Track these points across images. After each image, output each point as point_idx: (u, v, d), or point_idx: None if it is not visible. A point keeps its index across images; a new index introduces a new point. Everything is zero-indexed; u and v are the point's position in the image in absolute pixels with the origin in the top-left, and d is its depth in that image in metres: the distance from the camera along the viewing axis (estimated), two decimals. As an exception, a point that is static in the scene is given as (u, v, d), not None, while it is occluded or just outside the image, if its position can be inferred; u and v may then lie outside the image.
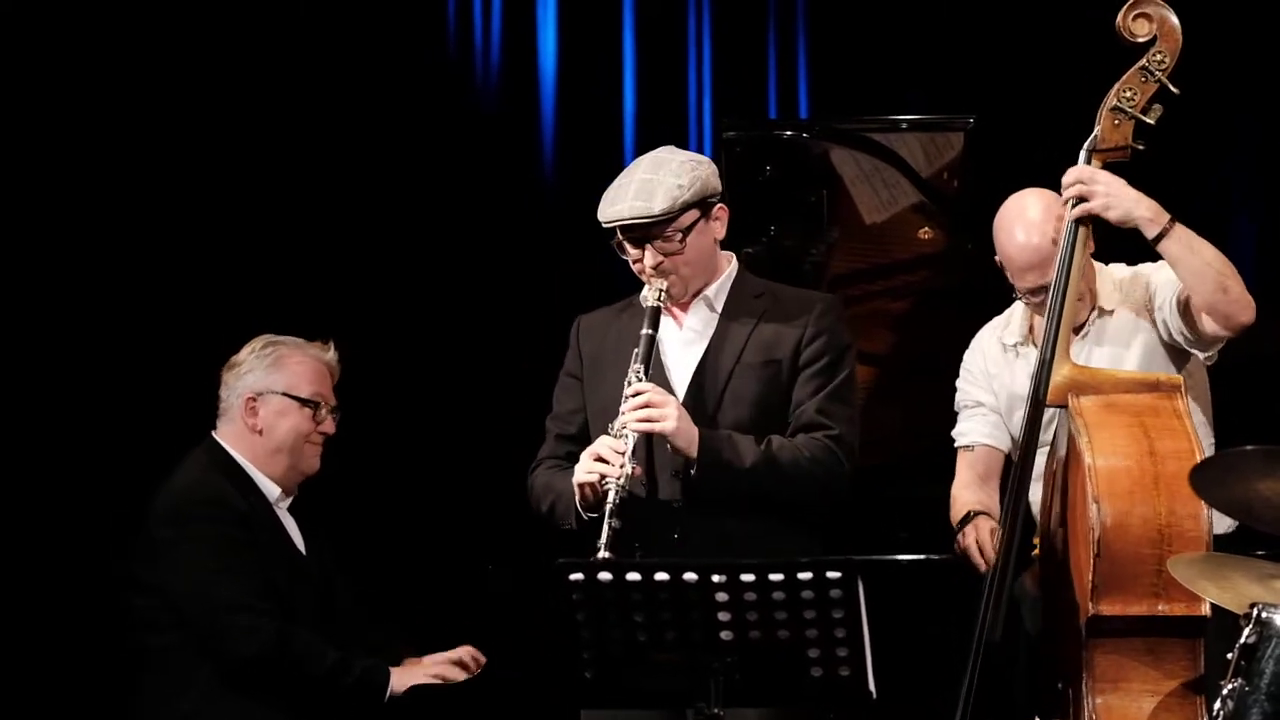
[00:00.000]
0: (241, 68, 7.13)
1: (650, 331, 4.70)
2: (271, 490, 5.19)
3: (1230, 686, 4.13)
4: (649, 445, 4.72)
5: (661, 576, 3.98)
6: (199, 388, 5.51)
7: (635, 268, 4.78)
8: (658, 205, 4.68)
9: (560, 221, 7.45)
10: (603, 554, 4.51)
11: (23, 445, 6.77)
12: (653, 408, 4.63)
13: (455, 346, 7.25)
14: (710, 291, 4.84)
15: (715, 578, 3.96)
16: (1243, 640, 4.13)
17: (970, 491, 5.09)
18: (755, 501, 4.68)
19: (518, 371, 6.87)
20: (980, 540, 4.91)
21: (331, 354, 5.30)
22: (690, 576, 3.97)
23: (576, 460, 4.80)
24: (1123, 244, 4.92)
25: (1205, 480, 4.37)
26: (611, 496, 4.57)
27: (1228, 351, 4.95)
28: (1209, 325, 4.78)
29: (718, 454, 4.66)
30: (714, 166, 4.80)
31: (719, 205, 4.79)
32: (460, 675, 5.23)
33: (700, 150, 7.44)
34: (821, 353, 4.78)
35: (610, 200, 4.74)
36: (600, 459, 4.63)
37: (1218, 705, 4.14)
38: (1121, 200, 4.73)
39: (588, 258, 7.21)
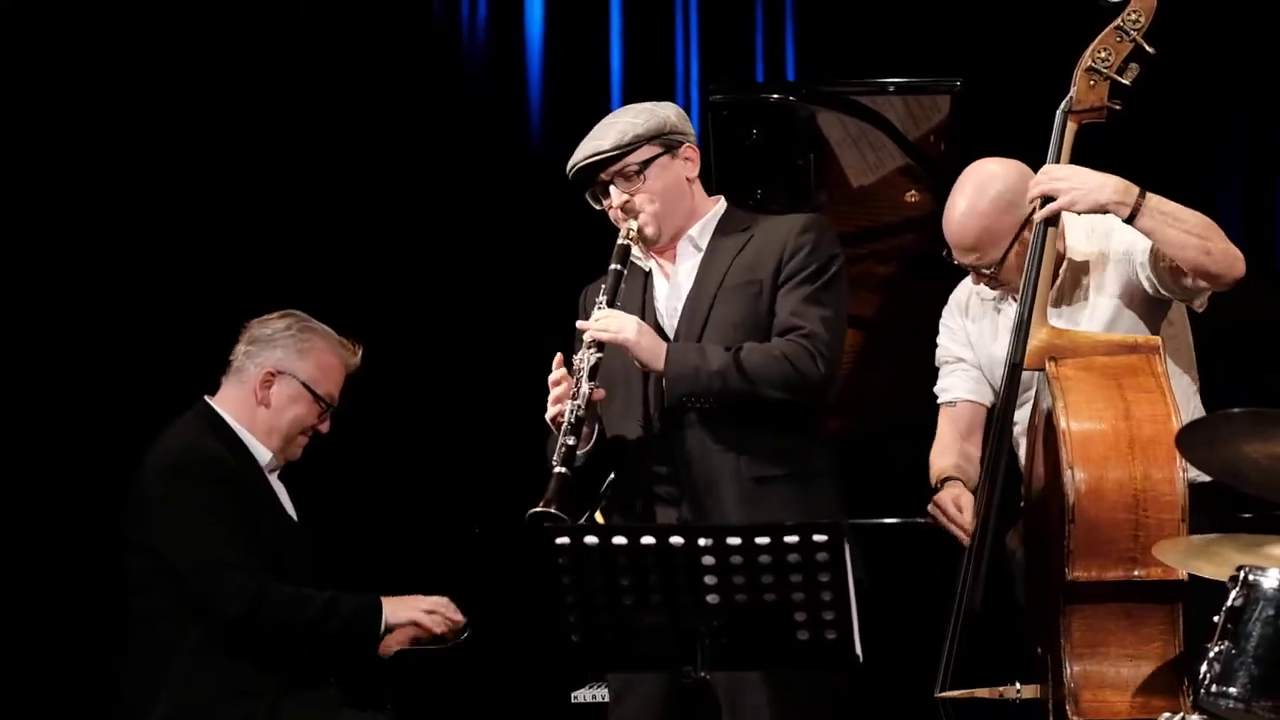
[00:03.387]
0: (224, 40, 7.11)
1: (618, 267, 4.73)
2: (263, 455, 5.18)
3: (1217, 649, 4.13)
4: (645, 388, 4.74)
5: (648, 540, 3.98)
6: (187, 358, 5.52)
7: (611, 215, 4.82)
8: (608, 141, 4.75)
9: (547, 188, 7.43)
10: (559, 469, 4.53)
11: (13, 419, 6.79)
12: (610, 320, 4.65)
13: (440, 315, 7.24)
14: (694, 231, 4.86)
15: (701, 541, 3.96)
16: (1229, 603, 4.13)
17: (948, 455, 5.05)
18: (729, 405, 4.67)
19: (505, 342, 6.89)
20: (944, 506, 4.89)
21: (357, 359, 5.30)
22: (676, 540, 3.97)
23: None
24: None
25: (1192, 442, 4.37)
26: (567, 414, 4.60)
27: (1218, 319, 4.93)
28: (1195, 282, 4.75)
29: (684, 359, 4.67)
30: (682, 113, 4.86)
31: (687, 145, 4.83)
32: (440, 625, 5.21)
33: (687, 114, 7.46)
34: (801, 266, 4.78)
35: (572, 155, 4.81)
36: (557, 383, 4.66)
37: (1204, 668, 4.13)
38: (1087, 191, 4.69)
39: (574, 224, 7.26)
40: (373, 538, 6.38)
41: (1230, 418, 4.29)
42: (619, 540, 4.00)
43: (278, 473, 5.24)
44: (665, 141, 4.79)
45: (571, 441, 4.58)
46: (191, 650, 4.97)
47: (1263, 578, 4.12)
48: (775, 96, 6.26)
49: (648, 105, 4.84)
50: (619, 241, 4.76)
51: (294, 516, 5.23)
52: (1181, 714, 4.22)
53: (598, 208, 4.84)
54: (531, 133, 7.53)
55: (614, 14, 7.58)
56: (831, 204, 6.20)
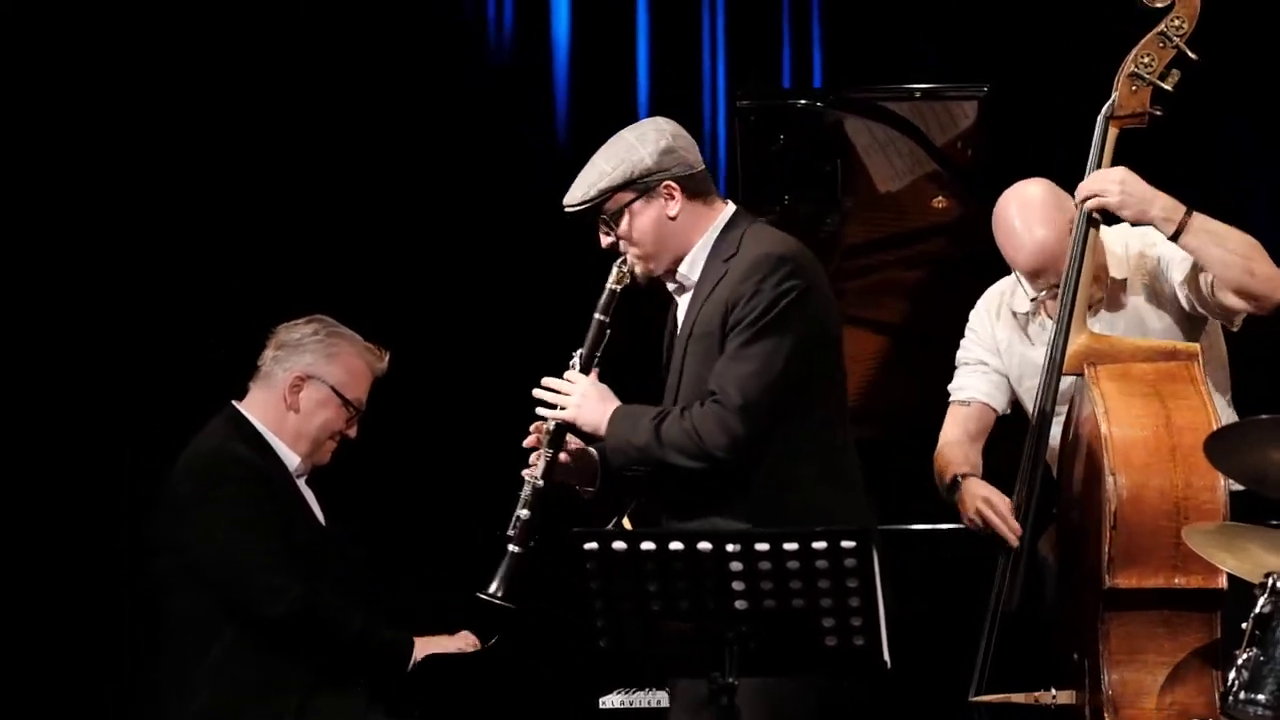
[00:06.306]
0: (251, 43, 7.13)
1: (601, 318, 4.58)
2: (291, 460, 5.20)
3: (1245, 656, 4.12)
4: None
5: (676, 546, 3.97)
6: (213, 363, 5.53)
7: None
8: (576, 195, 4.58)
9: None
10: (512, 548, 4.48)
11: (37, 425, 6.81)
12: (553, 395, 4.56)
13: (466, 320, 7.24)
14: (684, 267, 4.63)
15: (730, 547, 3.95)
16: (1258, 610, 4.12)
17: (958, 449, 5.03)
18: (657, 475, 4.55)
19: (532, 347, 6.87)
20: (997, 507, 4.86)
21: (384, 364, 5.31)
22: (705, 546, 3.96)
23: None
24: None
25: (1219, 449, 4.36)
26: (525, 490, 4.54)
27: (1251, 325, 4.92)
28: (1236, 303, 4.75)
29: (617, 434, 4.52)
30: (666, 147, 4.55)
31: (665, 184, 4.55)
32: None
33: (714, 120, 7.47)
34: (738, 320, 4.50)
35: None
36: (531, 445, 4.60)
37: (1232, 674, 4.14)
38: (1137, 200, 4.70)
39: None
40: (399, 542, 6.38)
41: (1258, 424, 4.30)
42: (647, 546, 3.99)
43: (305, 478, 5.26)
44: (639, 186, 4.54)
45: (526, 515, 4.50)
46: (223, 650, 5.01)
47: (1291, 585, 4.12)
48: (802, 102, 6.24)
49: (625, 143, 4.56)
50: (607, 286, 4.60)
51: (323, 522, 5.26)
52: (1213, 721, 4.22)
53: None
54: (558, 138, 7.53)
55: (640, 19, 7.58)
56: (858, 209, 6.20)
